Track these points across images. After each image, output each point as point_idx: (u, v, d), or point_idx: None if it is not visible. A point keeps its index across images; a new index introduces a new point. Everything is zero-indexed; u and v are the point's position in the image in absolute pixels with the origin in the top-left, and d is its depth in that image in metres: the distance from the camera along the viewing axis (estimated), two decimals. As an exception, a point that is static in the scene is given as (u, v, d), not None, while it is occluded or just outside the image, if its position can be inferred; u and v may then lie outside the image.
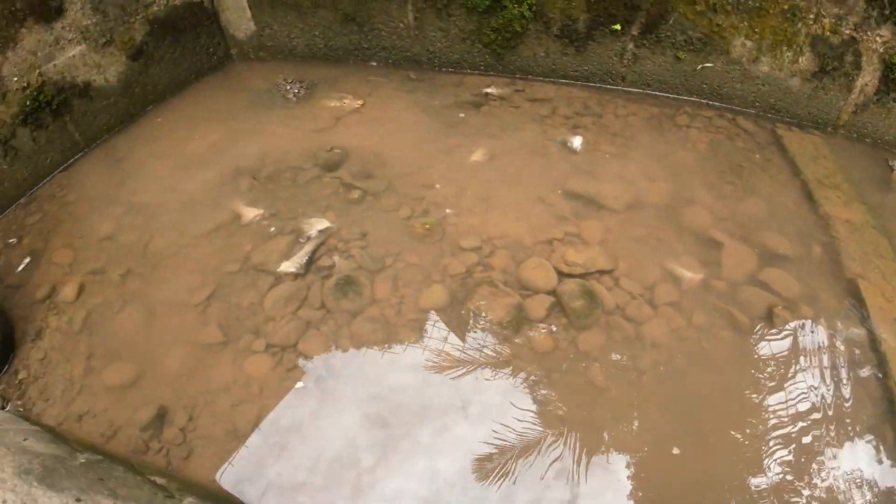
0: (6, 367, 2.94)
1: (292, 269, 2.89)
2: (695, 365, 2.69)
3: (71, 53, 3.87)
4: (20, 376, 2.85)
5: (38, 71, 3.69)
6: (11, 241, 3.55)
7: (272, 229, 3.18)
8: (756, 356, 2.73)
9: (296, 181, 3.48)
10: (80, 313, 3.03)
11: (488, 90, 4.09)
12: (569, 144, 3.59)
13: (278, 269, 2.92)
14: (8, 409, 2.77)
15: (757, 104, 4.25)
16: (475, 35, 4.13)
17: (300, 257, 2.93)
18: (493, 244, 3.01)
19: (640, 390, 2.60)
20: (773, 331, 2.80)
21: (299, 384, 2.55)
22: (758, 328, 2.81)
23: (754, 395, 2.59)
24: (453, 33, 4.17)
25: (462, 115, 3.93)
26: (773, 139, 4.07)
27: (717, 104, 4.28)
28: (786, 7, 3.89)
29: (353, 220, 3.21)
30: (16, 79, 3.58)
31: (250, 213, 3.25)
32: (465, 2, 3.95)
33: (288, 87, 4.28)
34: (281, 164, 3.61)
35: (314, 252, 2.97)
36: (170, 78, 4.56)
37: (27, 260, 3.40)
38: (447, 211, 3.20)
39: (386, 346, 2.68)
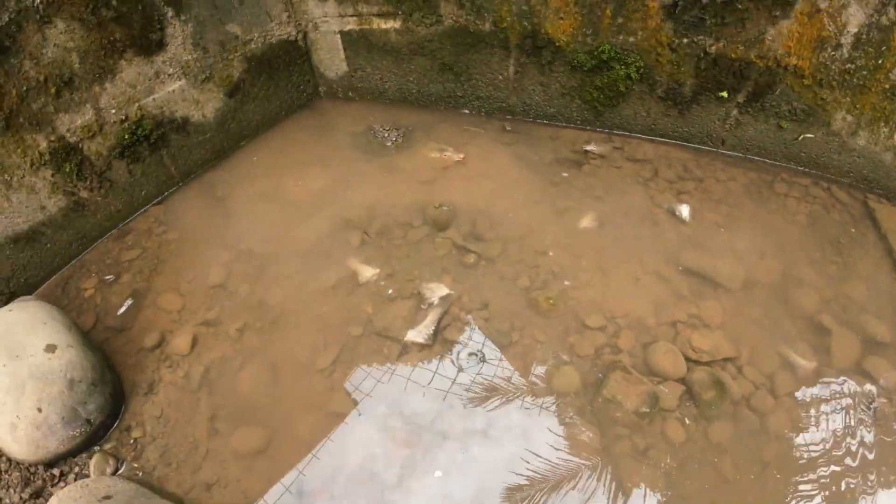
0: (116, 421, 2.87)
1: (420, 339, 2.90)
2: (817, 457, 2.70)
3: (171, 88, 3.90)
4: (134, 434, 2.80)
5: (137, 104, 3.70)
6: (108, 277, 3.55)
7: (390, 291, 3.19)
8: (868, 448, 2.73)
9: (407, 239, 3.50)
10: (196, 368, 3.03)
11: (588, 147, 4.11)
12: (677, 213, 3.61)
13: (405, 338, 2.93)
14: (122, 470, 2.70)
15: (851, 174, 4.27)
16: (576, 91, 4.16)
17: (426, 326, 2.94)
18: (617, 323, 3.02)
19: (766, 482, 2.61)
20: (881, 423, 2.80)
21: (437, 473, 2.55)
22: (867, 418, 2.82)
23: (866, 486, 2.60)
24: (553, 88, 4.20)
25: (565, 174, 3.95)
26: (865, 212, 4.08)
27: (813, 172, 4.30)
28: (887, 87, 3.92)
29: (471, 286, 3.22)
30: (114, 111, 3.58)
31: (367, 271, 3.27)
32: (570, 60, 3.98)
33: (386, 134, 4.32)
34: (389, 219, 3.63)
35: (439, 321, 2.98)
36: (262, 114, 4.60)
37: (129, 302, 3.39)
38: (565, 283, 3.21)
39: (522, 431, 2.69)
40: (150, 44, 3.67)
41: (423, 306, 3.07)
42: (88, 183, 3.67)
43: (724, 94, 3.87)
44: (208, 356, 3.08)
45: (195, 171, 4.27)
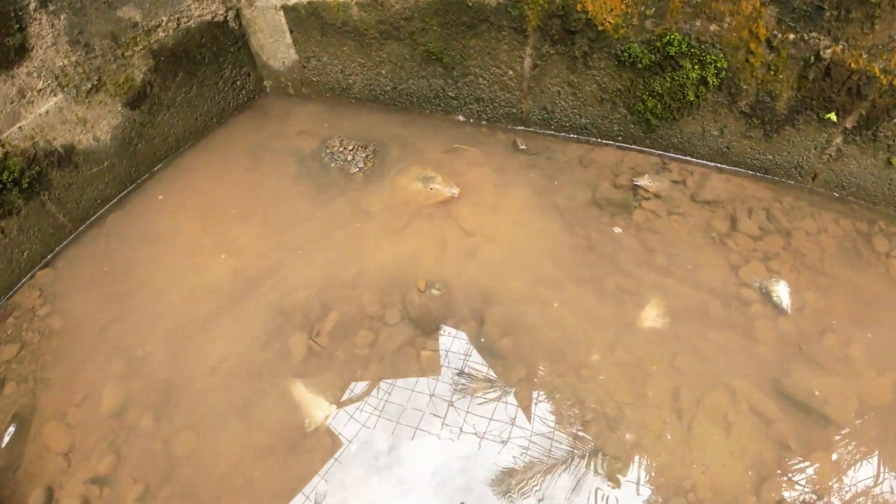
0: None
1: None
2: None
3: (43, 109, 2.89)
4: None
5: None
6: None
7: (353, 448, 2.18)
8: None
9: (376, 348, 2.45)
10: None
11: (639, 182, 2.95)
12: (774, 298, 2.52)
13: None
14: None
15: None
16: (621, 97, 2.96)
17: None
18: None
19: None
20: None
21: None
22: None
23: None
24: (587, 91, 3.00)
25: (616, 228, 2.84)
26: None
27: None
28: None
29: (483, 452, 2.19)
30: None
31: (317, 409, 2.24)
32: (618, 52, 2.76)
33: (348, 155, 3.16)
34: (350, 308, 2.58)
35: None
36: (184, 126, 3.47)
37: (12, 428, 2.49)
38: (627, 436, 2.17)
39: None
40: (6, 52, 2.65)
41: (401, 485, 2.06)
42: (-53, 252, 2.68)
43: (832, 115, 2.68)
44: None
45: (93, 212, 3.23)
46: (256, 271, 2.75)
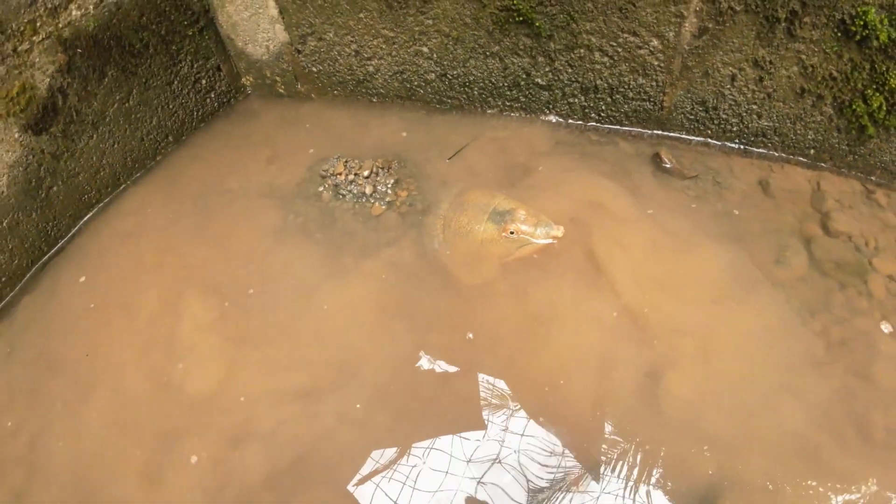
0: None
1: None
2: None
3: None
4: None
5: None
6: None
7: None
8: None
9: None
10: None
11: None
12: None
13: None
14: None
15: None
16: (833, 88, 1.76)
17: None
18: None
19: None
20: None
21: None
22: None
23: None
24: (783, 76, 1.79)
25: (885, 326, 1.58)
26: None
27: None
28: None
29: None
30: None
31: None
32: (844, 18, 1.57)
33: (366, 187, 1.98)
34: None
35: None
36: (122, 151, 2.39)
37: None
38: None
39: None
40: None
41: None
42: None
43: None
44: None
45: None
46: (246, 455, 1.51)
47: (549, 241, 1.73)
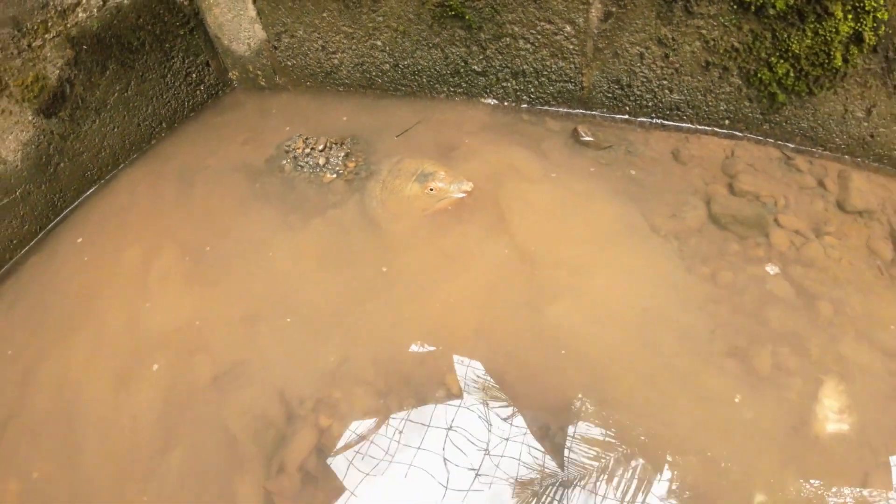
0: None
1: None
2: None
3: None
4: None
5: None
6: None
7: None
8: None
9: None
10: None
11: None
12: None
13: None
14: None
15: None
16: (737, 60, 1.97)
17: None
18: None
19: None
20: None
21: None
22: None
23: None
24: (686, 52, 2.01)
25: (770, 267, 1.81)
26: None
27: None
28: None
29: None
30: None
31: None
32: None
33: (320, 159, 2.28)
34: (333, 422, 1.62)
35: None
36: (121, 133, 2.70)
37: None
38: None
39: None
40: None
41: None
42: None
43: None
44: None
45: (7, 257, 2.49)
46: (196, 356, 1.85)
47: (462, 195, 2.01)
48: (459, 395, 1.57)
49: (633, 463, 1.44)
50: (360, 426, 1.56)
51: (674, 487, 1.41)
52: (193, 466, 1.54)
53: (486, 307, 1.74)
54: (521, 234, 1.89)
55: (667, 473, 1.41)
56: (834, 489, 1.41)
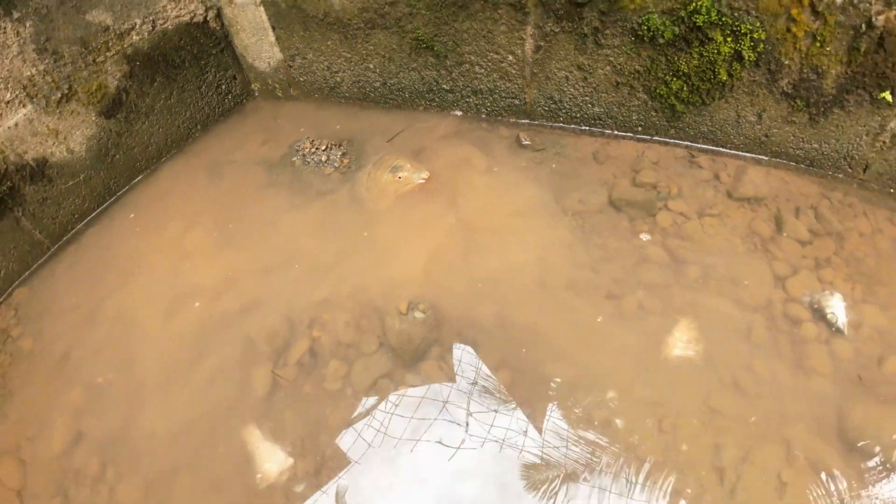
0: None
1: None
2: None
3: (11, 122, 2.77)
4: None
5: None
6: None
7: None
8: None
9: (349, 382, 2.15)
10: None
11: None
12: (828, 317, 2.06)
13: None
14: None
15: None
16: (641, 79, 2.57)
17: None
18: None
19: None
20: None
21: None
22: None
23: None
24: (601, 75, 2.61)
25: (644, 236, 2.44)
26: None
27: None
28: None
29: None
30: None
31: (271, 462, 1.96)
32: (635, 25, 2.37)
33: (323, 157, 2.93)
34: (322, 335, 2.30)
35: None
36: (165, 133, 3.31)
37: None
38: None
39: None
40: None
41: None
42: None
43: (887, 95, 2.21)
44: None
45: (70, 227, 3.10)
46: (224, 293, 2.51)
47: (421, 181, 2.68)
48: (405, 313, 2.23)
49: (519, 362, 2.07)
50: (340, 337, 2.25)
51: (549, 381, 2.02)
52: (222, 365, 2.21)
53: (434, 258, 2.41)
54: (464, 210, 2.55)
55: (545, 371, 2.02)
56: (677, 397, 1.99)
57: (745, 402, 1.93)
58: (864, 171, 2.53)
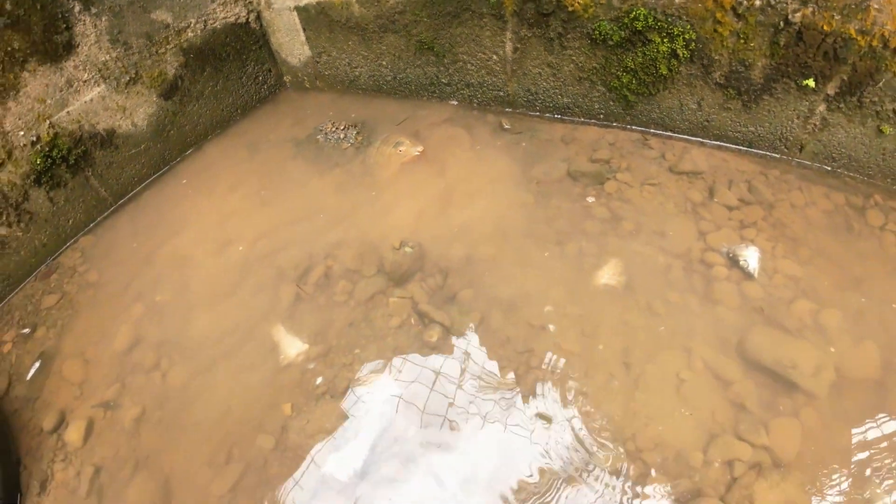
0: (8, 517, 2.52)
1: (343, 476, 2.14)
2: None
3: (88, 97, 3.33)
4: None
5: (48, 121, 3.19)
6: (25, 330, 3.15)
7: (319, 381, 2.47)
8: None
9: (353, 296, 2.76)
10: (87, 469, 2.55)
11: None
12: (741, 263, 2.57)
13: (323, 469, 2.18)
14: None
15: None
16: (598, 75, 3.11)
17: (354, 457, 2.17)
18: (642, 460, 2.12)
19: None
20: None
21: None
22: None
23: None
24: (566, 71, 3.17)
25: (590, 198, 3.00)
26: None
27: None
28: None
29: (427, 387, 2.41)
30: (22, 133, 3.11)
31: (292, 347, 2.55)
32: (589, 31, 2.92)
33: (341, 135, 3.54)
34: (334, 264, 2.92)
35: (374, 446, 2.20)
36: (211, 115, 3.91)
37: (37, 364, 2.97)
38: (570, 383, 2.32)
39: None
40: (56, 48, 3.11)
41: (353, 413, 2.30)
42: (5, 218, 3.21)
43: (810, 82, 2.70)
44: (101, 453, 2.59)
45: (130, 189, 3.70)
46: (261, 238, 3.15)
47: (417, 153, 3.28)
48: (398, 248, 2.86)
49: (479, 285, 2.68)
50: (348, 265, 2.89)
51: (500, 297, 2.63)
52: (259, 285, 2.85)
53: (423, 213, 3.04)
54: (449, 177, 3.18)
55: (498, 291, 2.65)
56: (599, 313, 2.51)
57: (655, 320, 2.46)
58: (800, 151, 3.00)
